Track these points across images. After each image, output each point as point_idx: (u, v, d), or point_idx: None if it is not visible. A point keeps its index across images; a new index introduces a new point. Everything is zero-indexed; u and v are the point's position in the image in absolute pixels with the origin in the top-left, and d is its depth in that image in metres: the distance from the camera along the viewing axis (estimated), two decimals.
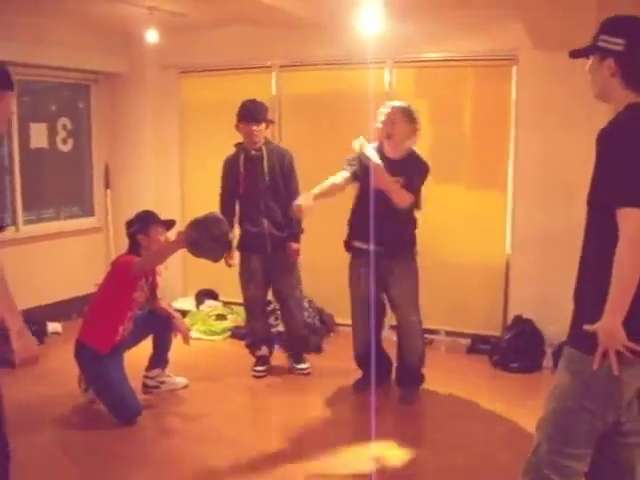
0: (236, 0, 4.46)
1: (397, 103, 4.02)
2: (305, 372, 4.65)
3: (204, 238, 3.65)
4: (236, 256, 4.58)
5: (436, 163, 5.43)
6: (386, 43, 5.10)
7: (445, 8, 4.96)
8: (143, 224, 4.02)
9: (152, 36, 5.19)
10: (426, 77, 5.43)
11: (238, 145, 4.56)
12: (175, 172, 6.27)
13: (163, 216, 4.15)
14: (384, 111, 3.97)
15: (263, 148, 4.48)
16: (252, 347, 4.74)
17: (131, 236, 4.04)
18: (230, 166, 4.56)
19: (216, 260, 3.87)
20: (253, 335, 4.74)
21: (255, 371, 4.63)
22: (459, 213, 5.31)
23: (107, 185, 6.38)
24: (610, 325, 1.95)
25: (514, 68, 5.02)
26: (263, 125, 4.46)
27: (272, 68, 5.79)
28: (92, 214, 6.42)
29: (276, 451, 3.56)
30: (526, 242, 5.07)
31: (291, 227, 4.55)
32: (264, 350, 4.71)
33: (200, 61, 5.99)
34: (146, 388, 4.25)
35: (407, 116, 3.94)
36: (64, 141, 6.11)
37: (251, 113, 4.42)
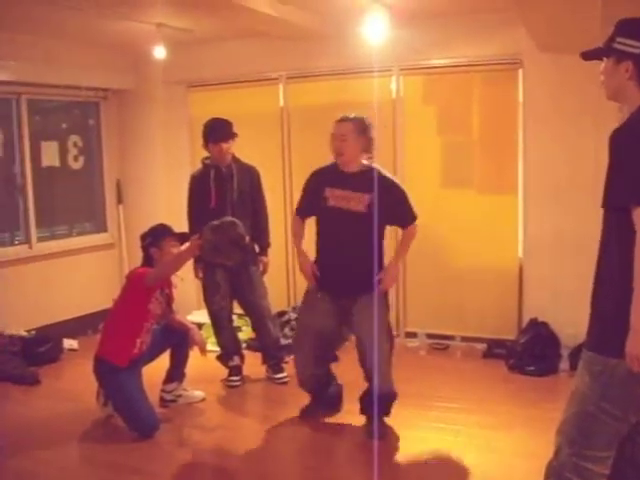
0: (243, 14, 4.49)
1: (350, 116, 3.62)
2: (283, 381, 4.66)
3: (223, 242, 3.66)
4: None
5: (446, 169, 5.48)
6: (392, 51, 5.13)
7: (449, 14, 4.98)
8: (156, 237, 4.03)
9: (160, 52, 5.23)
10: (433, 83, 5.44)
11: (206, 162, 4.62)
12: (186, 185, 6.28)
13: (176, 230, 4.16)
14: (335, 125, 3.63)
15: (232, 165, 4.57)
16: (224, 359, 4.74)
17: (145, 249, 4.06)
18: (199, 182, 4.62)
19: (234, 263, 3.89)
20: (223, 347, 4.73)
21: (230, 381, 4.65)
22: (470, 218, 5.31)
23: (119, 201, 6.44)
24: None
25: (520, 71, 5.04)
26: (231, 142, 4.54)
27: (279, 80, 5.83)
28: (105, 230, 6.47)
29: (296, 462, 3.56)
30: (538, 245, 5.07)
31: (260, 240, 4.65)
32: (236, 360, 4.72)
33: (207, 75, 6.04)
34: (163, 402, 4.25)
35: (359, 129, 3.56)
36: (75, 158, 6.18)
37: (221, 133, 4.49)
